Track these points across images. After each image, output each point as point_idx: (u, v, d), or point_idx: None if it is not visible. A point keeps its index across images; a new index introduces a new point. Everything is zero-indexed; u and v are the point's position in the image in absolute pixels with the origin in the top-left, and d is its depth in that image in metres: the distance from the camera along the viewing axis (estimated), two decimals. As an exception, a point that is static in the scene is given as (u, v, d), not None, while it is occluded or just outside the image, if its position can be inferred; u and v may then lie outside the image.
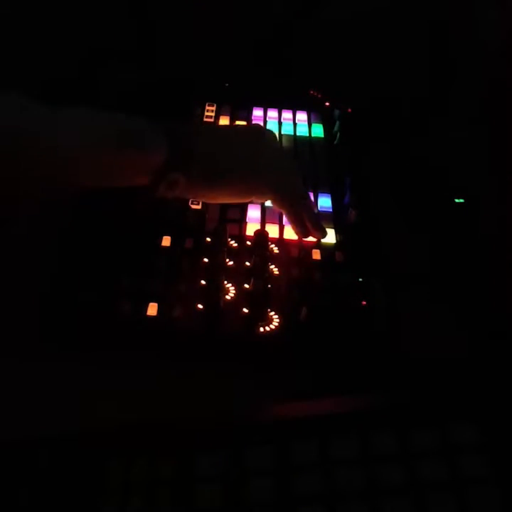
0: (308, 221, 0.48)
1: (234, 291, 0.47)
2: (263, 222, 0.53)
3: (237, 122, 0.66)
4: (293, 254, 0.50)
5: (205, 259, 0.49)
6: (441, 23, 0.71)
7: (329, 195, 0.57)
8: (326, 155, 0.63)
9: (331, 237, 0.52)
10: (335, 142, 0.64)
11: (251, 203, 0.55)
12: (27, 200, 0.42)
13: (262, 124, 0.66)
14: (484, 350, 0.45)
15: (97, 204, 0.53)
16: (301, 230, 0.48)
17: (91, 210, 0.52)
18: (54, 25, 0.66)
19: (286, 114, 0.68)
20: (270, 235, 0.50)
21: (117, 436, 0.36)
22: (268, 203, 0.55)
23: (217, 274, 0.46)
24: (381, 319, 0.45)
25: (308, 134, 0.66)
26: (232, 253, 0.50)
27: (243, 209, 0.54)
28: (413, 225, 0.55)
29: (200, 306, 0.45)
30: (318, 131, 0.66)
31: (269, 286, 0.47)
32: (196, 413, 0.38)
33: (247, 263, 0.49)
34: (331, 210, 0.55)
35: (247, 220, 0.53)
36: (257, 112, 0.68)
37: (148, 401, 0.39)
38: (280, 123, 0.67)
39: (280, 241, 0.52)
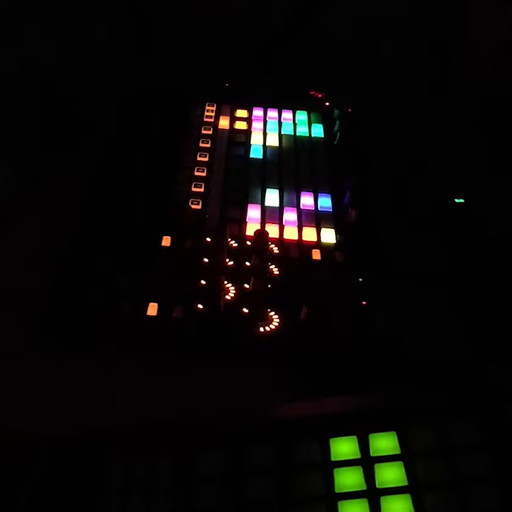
0: None
1: (234, 291, 0.47)
2: (263, 222, 0.53)
3: (237, 122, 0.66)
4: (293, 254, 0.50)
5: (205, 259, 0.49)
6: (442, 23, 0.72)
7: (329, 195, 0.57)
8: (326, 155, 0.63)
9: (331, 237, 0.52)
10: (335, 142, 0.64)
11: (251, 202, 0.55)
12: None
13: (261, 124, 0.66)
14: (484, 350, 0.45)
15: (98, 204, 0.53)
16: None
17: (91, 210, 0.53)
18: (54, 26, 0.66)
19: (286, 114, 0.68)
20: (270, 235, 0.50)
21: (117, 436, 0.36)
22: (268, 203, 0.55)
23: (217, 274, 0.46)
24: (381, 319, 0.45)
25: (308, 134, 0.66)
26: (232, 253, 0.50)
27: (243, 209, 0.54)
28: (413, 225, 0.55)
29: (200, 306, 0.45)
30: (318, 131, 0.66)
31: (269, 286, 0.47)
32: (196, 413, 0.38)
33: (247, 263, 0.49)
34: (331, 210, 0.55)
35: (247, 220, 0.53)
36: (257, 112, 0.68)
37: (149, 401, 0.39)
38: (280, 123, 0.67)
39: (280, 241, 0.52)
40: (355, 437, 0.35)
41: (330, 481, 0.33)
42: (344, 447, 0.34)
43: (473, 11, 0.71)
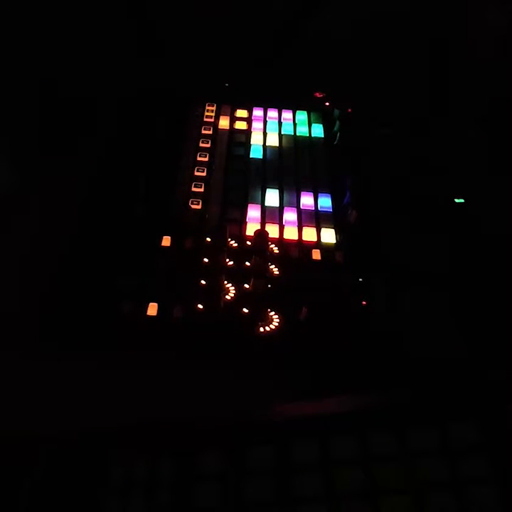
0: None
1: (234, 291, 0.47)
2: (263, 222, 0.53)
3: (237, 122, 0.66)
4: (293, 254, 0.50)
5: (205, 259, 0.49)
6: (442, 23, 0.72)
7: (329, 195, 0.57)
8: (326, 155, 0.63)
9: (331, 237, 0.52)
10: (335, 142, 0.64)
11: (251, 202, 0.55)
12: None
13: (261, 124, 0.66)
14: (484, 350, 0.45)
15: (98, 204, 0.53)
16: None
17: (91, 210, 0.52)
18: (53, 25, 0.66)
19: (286, 114, 0.68)
20: (270, 235, 0.50)
21: (117, 436, 0.36)
22: (268, 203, 0.55)
23: (217, 274, 0.46)
24: (381, 319, 0.45)
25: (308, 134, 0.66)
26: (232, 253, 0.50)
27: (243, 209, 0.54)
28: (413, 225, 0.55)
29: (200, 306, 0.45)
30: (318, 131, 0.66)
31: (269, 286, 0.47)
32: (196, 413, 0.38)
33: (247, 263, 0.49)
34: (331, 210, 0.55)
35: (247, 220, 0.53)
36: (257, 112, 0.68)
37: (149, 401, 0.39)
38: (280, 123, 0.67)
39: (280, 241, 0.52)
40: (355, 437, 0.35)
41: (330, 480, 0.33)
42: (344, 447, 0.34)
43: (473, 10, 0.71)
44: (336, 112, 0.67)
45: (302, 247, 0.51)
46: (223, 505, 0.32)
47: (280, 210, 0.55)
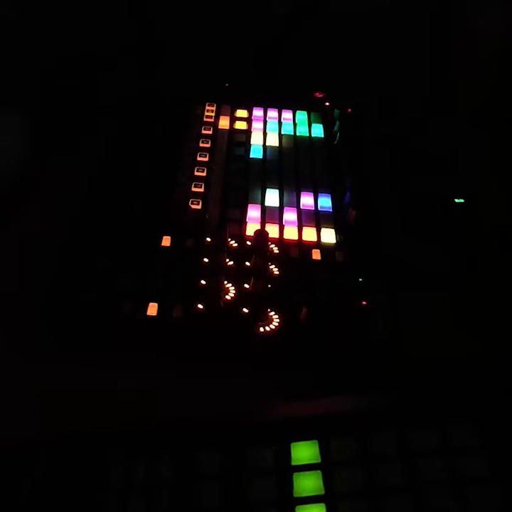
0: None
1: (234, 291, 0.47)
2: (263, 222, 0.53)
3: (237, 122, 0.66)
4: (293, 254, 0.50)
5: (205, 259, 0.49)
6: (441, 22, 0.72)
7: (329, 195, 0.57)
8: (326, 155, 0.63)
9: (331, 237, 0.52)
10: (335, 142, 0.64)
11: (251, 202, 0.55)
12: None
13: (261, 124, 0.66)
14: (485, 350, 0.45)
15: (98, 204, 0.53)
16: None
17: (91, 210, 0.53)
18: (53, 26, 0.66)
19: (286, 114, 0.68)
20: (270, 235, 0.50)
21: (117, 436, 0.36)
22: (268, 203, 0.55)
23: (217, 274, 0.46)
24: (381, 319, 0.45)
25: (308, 134, 0.66)
26: (232, 253, 0.50)
27: (243, 209, 0.54)
28: (413, 225, 0.55)
29: (200, 306, 0.45)
30: (318, 131, 0.66)
31: (269, 286, 0.47)
32: (196, 413, 0.38)
33: (247, 263, 0.49)
34: (331, 210, 0.55)
35: (247, 220, 0.53)
36: (257, 112, 0.68)
37: (148, 401, 0.39)
38: (280, 123, 0.67)
39: (280, 241, 0.52)
40: (355, 437, 0.35)
41: (330, 480, 0.33)
42: (344, 447, 0.34)
43: (474, 10, 0.71)
44: (336, 112, 0.67)
45: (302, 247, 0.51)
46: (223, 505, 0.32)
47: (280, 210, 0.55)
